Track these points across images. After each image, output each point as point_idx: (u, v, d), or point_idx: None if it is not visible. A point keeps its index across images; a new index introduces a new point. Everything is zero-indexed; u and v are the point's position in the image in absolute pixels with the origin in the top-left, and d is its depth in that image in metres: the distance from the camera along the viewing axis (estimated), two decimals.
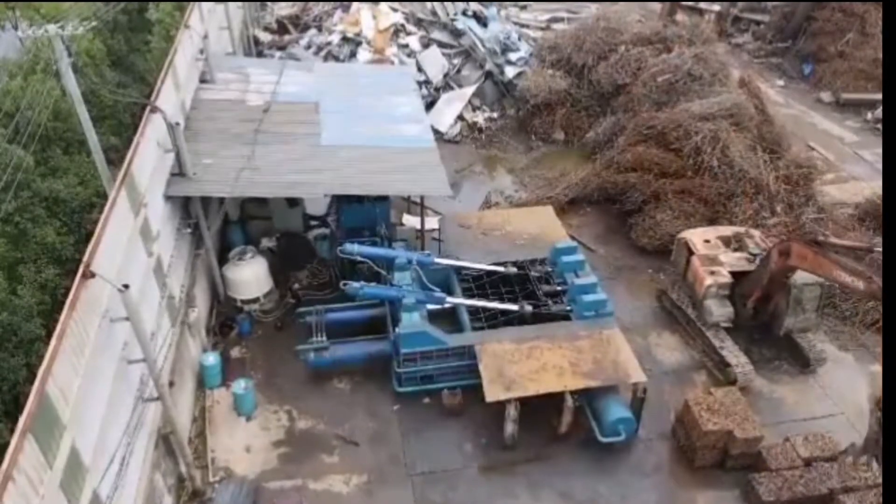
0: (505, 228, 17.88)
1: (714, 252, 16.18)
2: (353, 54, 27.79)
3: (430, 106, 25.82)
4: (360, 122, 18.31)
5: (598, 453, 13.55)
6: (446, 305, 14.75)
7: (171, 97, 15.92)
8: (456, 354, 14.31)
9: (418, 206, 19.72)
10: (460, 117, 25.54)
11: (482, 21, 28.68)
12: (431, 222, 18.87)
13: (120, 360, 10.57)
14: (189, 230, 15.45)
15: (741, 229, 16.90)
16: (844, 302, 17.19)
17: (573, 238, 19.48)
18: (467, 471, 13.38)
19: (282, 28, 32.38)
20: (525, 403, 13.23)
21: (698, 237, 16.63)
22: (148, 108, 13.77)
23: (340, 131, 17.86)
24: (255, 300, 16.76)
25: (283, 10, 32.56)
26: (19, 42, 15.33)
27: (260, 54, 29.16)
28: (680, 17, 29.81)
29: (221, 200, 16.38)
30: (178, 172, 14.88)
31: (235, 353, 15.92)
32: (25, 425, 7.54)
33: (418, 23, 29.49)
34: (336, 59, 27.44)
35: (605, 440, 13.27)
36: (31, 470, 7.49)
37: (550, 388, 13.21)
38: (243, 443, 13.83)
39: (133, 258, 11.77)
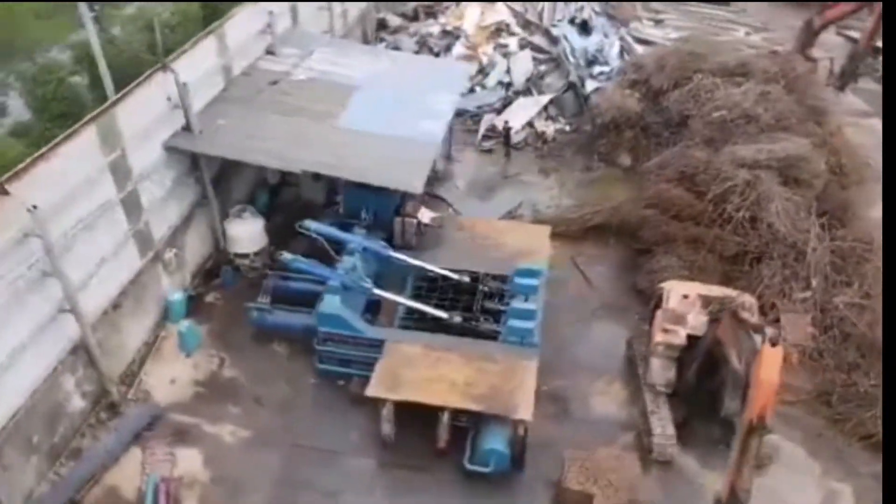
0: (496, 239, 17.61)
1: (685, 310, 14.69)
2: (448, 48, 28.43)
3: (505, 107, 25.84)
4: (384, 111, 18.90)
5: (473, 482, 13.16)
6: (371, 296, 15.04)
7: (208, 61, 17.71)
8: (373, 346, 14.58)
9: (437, 201, 20.19)
10: (530, 124, 25.15)
11: (587, 30, 27.80)
12: (432, 218, 19.14)
13: (39, 272, 12.38)
14: (192, 181, 17.22)
15: (734, 293, 15.10)
16: (843, 403, 14.78)
17: (576, 266, 18.74)
18: (341, 457, 13.72)
19: (416, 15, 33.78)
20: (424, 411, 13.11)
21: (677, 290, 15.14)
22: (159, 65, 15.55)
23: (361, 116, 18.59)
24: (246, 256, 18.19)
25: None
26: None
27: (380, 39, 30.74)
28: (818, 53, 26.43)
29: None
30: (186, 128, 16.61)
31: (210, 298, 17.50)
32: None
33: (526, 25, 29.32)
34: (431, 50, 28.23)
35: (469, 466, 12.90)
36: None
37: (431, 401, 13.07)
38: (172, 375, 15.36)
39: (92, 188, 13.54)
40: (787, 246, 16.56)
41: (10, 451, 12.26)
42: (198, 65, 17.12)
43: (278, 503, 12.97)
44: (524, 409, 12.94)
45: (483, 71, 27.44)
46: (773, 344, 9.51)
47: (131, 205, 15.15)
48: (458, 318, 14.79)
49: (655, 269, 17.38)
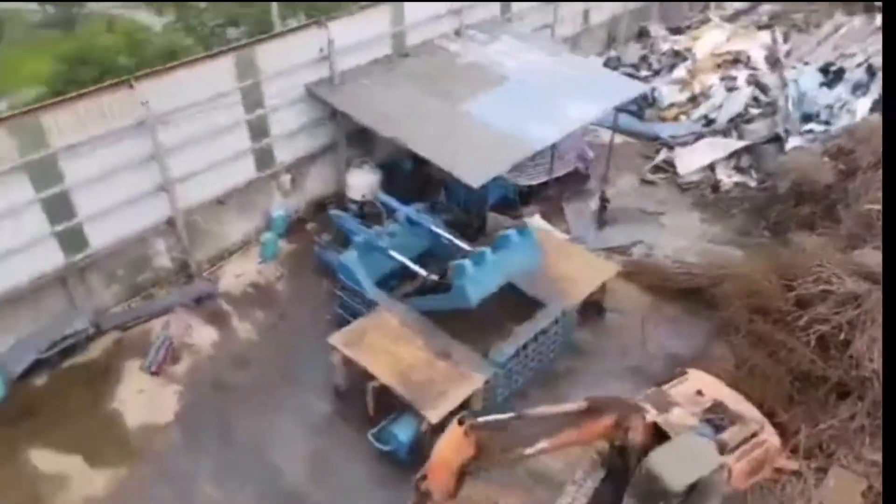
0: (556, 261, 17.04)
1: (681, 402, 12.87)
2: (672, 68, 26.78)
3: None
4: (509, 106, 19.26)
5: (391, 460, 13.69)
6: (391, 254, 15.90)
7: (376, 27, 20.08)
8: (373, 306, 15.78)
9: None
10: (711, 168, 22.80)
11: (837, 79, 23.72)
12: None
13: (148, 154, 16.23)
14: (328, 126, 19.96)
15: (756, 415, 12.64)
16: None
17: (643, 324, 17.21)
18: (302, 388, 15.32)
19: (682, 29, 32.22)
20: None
21: (698, 382, 13.27)
22: (314, 20, 18.39)
23: (485, 106, 19.17)
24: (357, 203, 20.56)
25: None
26: None
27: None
28: None
29: None
30: (329, 78, 19.30)
31: (311, 226, 20.28)
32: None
33: (774, 62, 26.11)
34: (650, 67, 26.90)
35: (370, 437, 13.53)
36: None
37: (366, 366, 13.92)
38: (240, 271, 18.57)
39: (216, 104, 16.98)
40: (863, 384, 13.10)
41: (97, 273, 16.61)
42: (362, 28, 19.58)
43: (233, 401, 15.16)
44: (435, 412, 13.06)
45: (694, 100, 25.37)
46: (460, 423, 8.60)
47: (257, 127, 18.44)
48: (434, 277, 15.00)
49: (706, 357, 15.18)
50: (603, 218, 20.86)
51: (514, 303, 15.78)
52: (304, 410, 14.85)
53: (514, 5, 24.79)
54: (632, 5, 30.26)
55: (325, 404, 14.99)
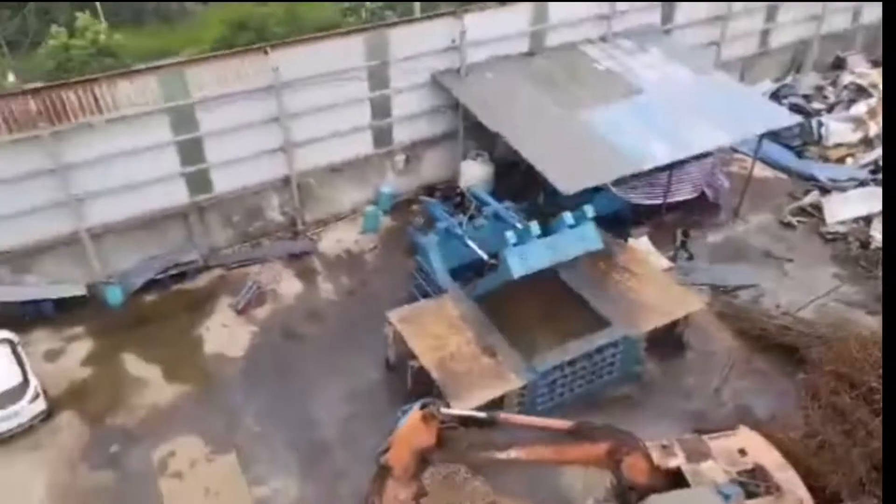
0: (638, 282, 16.14)
1: (717, 455, 11.83)
2: (850, 104, 24.00)
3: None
4: (631, 119, 18.57)
5: None
6: (466, 242, 16.08)
7: (514, 25, 20.22)
8: (442, 291, 16.07)
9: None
10: (867, 220, 20.18)
11: None
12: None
13: (273, 116, 17.84)
14: (450, 114, 20.51)
15: (801, 492, 11.24)
16: None
17: (725, 374, 15.90)
18: (362, 353, 16.06)
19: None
20: None
21: (745, 442, 12.08)
22: (449, 11, 18.95)
23: (607, 116, 18.69)
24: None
25: None
26: None
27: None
28: None
29: None
30: (457, 69, 19.79)
31: (415, 208, 21.00)
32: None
33: None
34: (825, 100, 24.24)
35: (398, 413, 13.83)
36: None
37: (411, 345, 14.27)
38: (341, 237, 19.82)
39: (342, 79, 18.21)
40: None
41: (214, 216, 18.64)
42: (499, 23, 19.83)
43: (296, 351, 16.32)
44: (460, 403, 13.03)
45: (868, 142, 22.53)
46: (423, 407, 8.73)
47: (380, 106, 19.47)
48: (487, 257, 15.22)
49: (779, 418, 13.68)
50: (685, 253, 19.31)
51: (584, 317, 15.31)
52: (354, 375, 15.57)
53: (680, 16, 23.56)
54: (826, 28, 27.38)
55: (374, 373, 15.61)
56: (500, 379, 13.73)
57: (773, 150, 22.98)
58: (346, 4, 25.03)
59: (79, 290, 17.10)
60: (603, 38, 22.03)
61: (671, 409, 14.84)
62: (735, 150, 22.78)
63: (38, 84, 15.86)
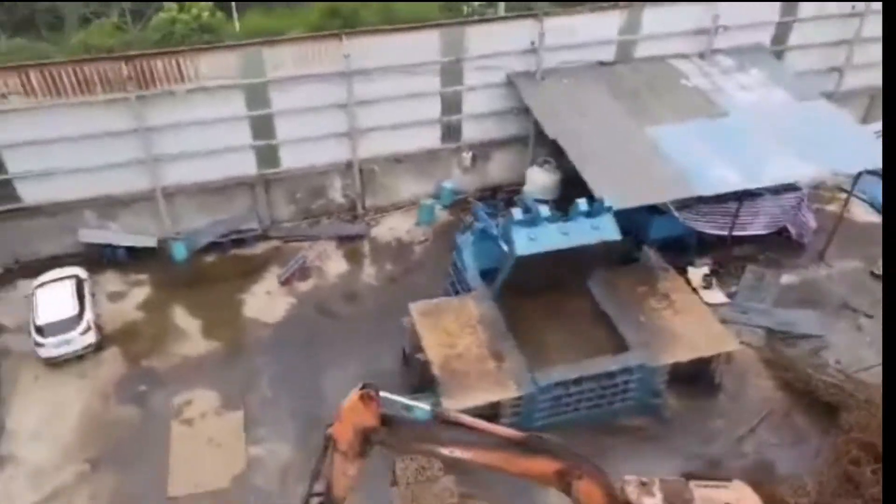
0: (675, 314, 15.23)
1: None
2: None
3: None
4: (703, 142, 17.52)
5: None
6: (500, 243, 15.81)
7: (601, 31, 19.65)
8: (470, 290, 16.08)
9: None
10: None
11: None
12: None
13: (341, 102, 18.56)
14: (521, 118, 20.31)
15: None
16: None
17: (756, 424, 14.76)
18: (382, 348, 16.22)
19: None
20: None
21: (733, 494, 11.23)
22: (532, 13, 18.78)
23: (676, 135, 17.75)
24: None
25: None
26: None
27: None
28: None
29: None
30: (533, 72, 19.56)
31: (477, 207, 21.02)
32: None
33: None
34: None
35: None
36: None
37: (423, 337, 14.39)
38: (396, 225, 20.27)
39: (413, 72, 18.59)
40: None
41: (279, 190, 19.72)
42: (583, 29, 19.37)
43: (326, 327, 16.96)
44: (452, 402, 13.07)
45: None
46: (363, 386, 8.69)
47: (450, 102, 19.67)
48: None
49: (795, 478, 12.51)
50: (711, 278, 18.13)
51: (606, 337, 14.75)
52: (373, 360, 15.92)
53: (796, 36, 21.79)
54: None
55: (391, 362, 15.87)
56: (499, 385, 13.56)
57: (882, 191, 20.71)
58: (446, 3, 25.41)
59: (150, 242, 18.75)
60: (701, 56, 20.85)
61: (684, 449, 13.95)
62: (843, 190, 20.77)
63: (132, 52, 17.49)
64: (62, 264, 17.67)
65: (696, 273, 18.39)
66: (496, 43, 18.91)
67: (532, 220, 13.75)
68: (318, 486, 9.75)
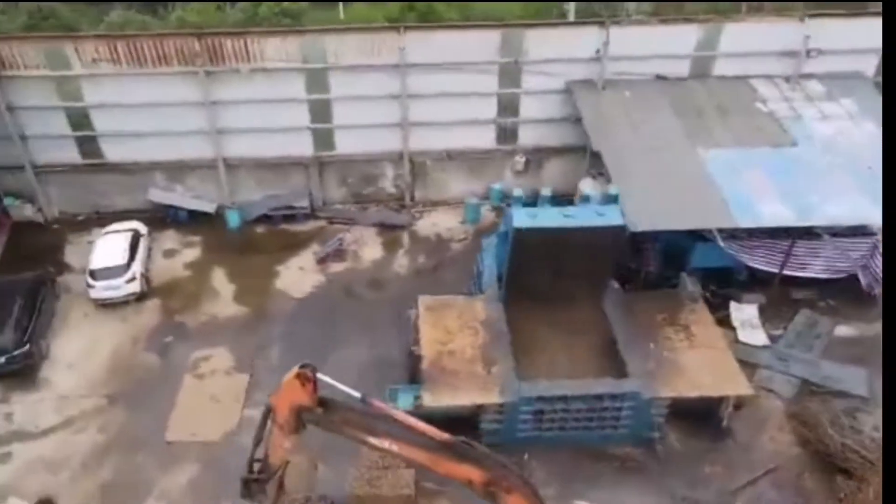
0: (688, 348, 14.43)
1: None
2: None
3: None
4: (761, 174, 16.36)
5: None
6: None
7: (673, 46, 18.82)
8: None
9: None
10: None
11: None
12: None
13: (395, 93, 18.97)
14: (570, 123, 19.76)
15: None
16: None
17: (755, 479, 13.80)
18: (393, 338, 16.42)
19: None
20: None
21: None
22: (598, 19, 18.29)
23: (731, 163, 16.65)
24: None
25: None
26: None
27: None
28: None
29: None
30: (594, 81, 19.03)
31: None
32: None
33: None
34: None
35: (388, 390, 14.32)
36: None
37: (421, 330, 14.56)
38: (439, 221, 20.49)
39: (469, 71, 18.66)
40: None
41: (332, 173, 20.51)
42: (653, 40, 18.64)
43: (348, 308, 17.50)
44: (431, 397, 13.23)
45: None
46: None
47: (506, 103, 19.60)
48: None
49: None
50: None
51: (609, 359, 14.24)
52: (381, 347, 16.28)
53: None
54: None
55: (398, 352, 16.11)
56: (482, 390, 13.46)
57: None
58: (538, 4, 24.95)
59: (209, 208, 20.14)
60: (787, 79, 19.38)
61: (671, 489, 13.23)
62: None
63: (205, 29, 18.86)
64: (132, 218, 19.44)
65: (740, 309, 17.22)
66: (558, 48, 18.60)
67: (534, 203, 14.29)
68: (259, 453, 10.22)
